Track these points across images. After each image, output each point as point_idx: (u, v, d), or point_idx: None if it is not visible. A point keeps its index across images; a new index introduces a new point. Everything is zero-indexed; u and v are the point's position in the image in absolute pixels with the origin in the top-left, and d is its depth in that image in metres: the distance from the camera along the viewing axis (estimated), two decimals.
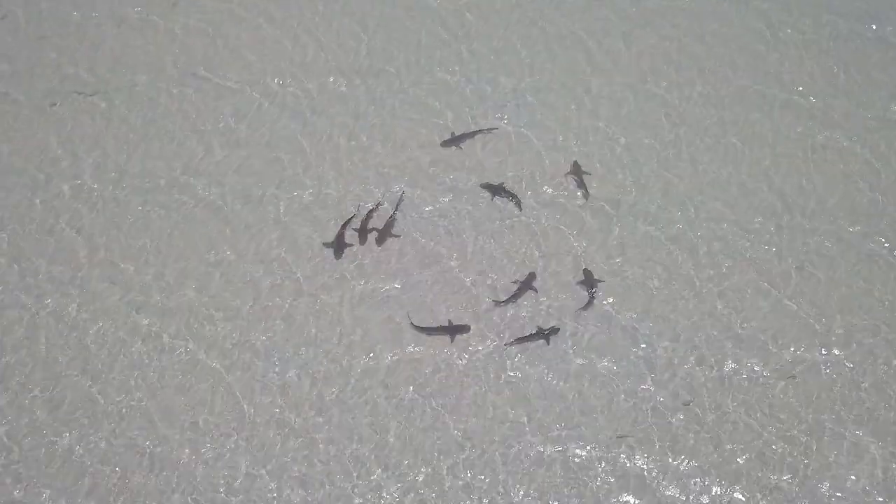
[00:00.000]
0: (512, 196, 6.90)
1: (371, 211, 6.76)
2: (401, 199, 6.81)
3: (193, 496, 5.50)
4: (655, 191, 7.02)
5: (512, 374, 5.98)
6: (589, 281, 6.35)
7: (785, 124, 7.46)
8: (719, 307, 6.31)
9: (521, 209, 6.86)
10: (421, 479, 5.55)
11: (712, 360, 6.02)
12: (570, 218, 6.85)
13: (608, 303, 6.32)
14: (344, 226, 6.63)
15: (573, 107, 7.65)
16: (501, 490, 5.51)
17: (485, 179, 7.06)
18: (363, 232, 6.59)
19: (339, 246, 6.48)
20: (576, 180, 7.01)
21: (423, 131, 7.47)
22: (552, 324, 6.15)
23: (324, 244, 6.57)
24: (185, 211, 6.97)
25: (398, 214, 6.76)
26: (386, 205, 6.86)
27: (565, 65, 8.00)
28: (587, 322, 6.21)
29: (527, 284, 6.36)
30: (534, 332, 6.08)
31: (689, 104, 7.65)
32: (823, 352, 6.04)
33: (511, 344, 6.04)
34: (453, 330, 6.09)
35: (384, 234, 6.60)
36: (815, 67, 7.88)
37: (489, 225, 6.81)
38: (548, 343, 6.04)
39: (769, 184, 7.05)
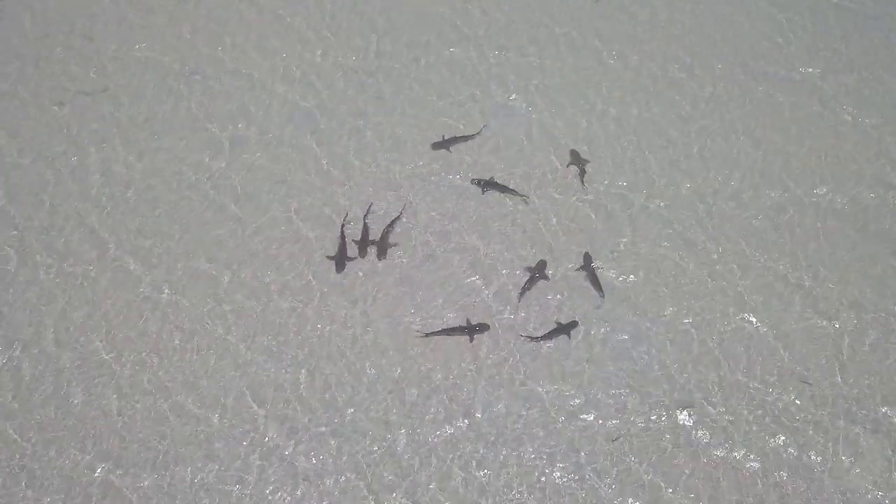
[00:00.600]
0: (505, 189, 6.91)
1: (366, 215, 6.74)
2: (401, 213, 6.79)
3: (207, 493, 5.45)
4: (673, 181, 7.10)
5: (527, 370, 5.98)
6: (588, 265, 6.42)
7: (801, 116, 7.57)
8: (736, 302, 6.32)
9: (522, 197, 6.88)
10: (433, 473, 5.53)
11: (729, 357, 6.02)
12: (584, 210, 6.89)
13: (624, 296, 6.34)
14: (342, 237, 6.60)
15: (586, 100, 7.75)
16: (514, 489, 5.48)
17: (499, 175, 7.07)
18: (363, 244, 6.58)
19: (340, 259, 6.47)
20: (578, 170, 7.06)
21: (433, 128, 7.49)
22: (571, 318, 6.17)
23: (326, 257, 6.54)
24: (196, 209, 6.94)
25: (395, 223, 6.74)
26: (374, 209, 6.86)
27: (578, 60, 8.09)
28: (602, 315, 6.23)
29: (539, 272, 6.39)
30: (554, 328, 6.08)
31: (701, 97, 7.78)
32: (840, 349, 6.06)
33: (535, 340, 6.03)
34: (472, 329, 6.07)
35: (383, 245, 6.58)
36: (830, 59, 8.01)
37: (500, 219, 6.83)
38: (569, 337, 6.05)
39: (783, 180, 7.11)
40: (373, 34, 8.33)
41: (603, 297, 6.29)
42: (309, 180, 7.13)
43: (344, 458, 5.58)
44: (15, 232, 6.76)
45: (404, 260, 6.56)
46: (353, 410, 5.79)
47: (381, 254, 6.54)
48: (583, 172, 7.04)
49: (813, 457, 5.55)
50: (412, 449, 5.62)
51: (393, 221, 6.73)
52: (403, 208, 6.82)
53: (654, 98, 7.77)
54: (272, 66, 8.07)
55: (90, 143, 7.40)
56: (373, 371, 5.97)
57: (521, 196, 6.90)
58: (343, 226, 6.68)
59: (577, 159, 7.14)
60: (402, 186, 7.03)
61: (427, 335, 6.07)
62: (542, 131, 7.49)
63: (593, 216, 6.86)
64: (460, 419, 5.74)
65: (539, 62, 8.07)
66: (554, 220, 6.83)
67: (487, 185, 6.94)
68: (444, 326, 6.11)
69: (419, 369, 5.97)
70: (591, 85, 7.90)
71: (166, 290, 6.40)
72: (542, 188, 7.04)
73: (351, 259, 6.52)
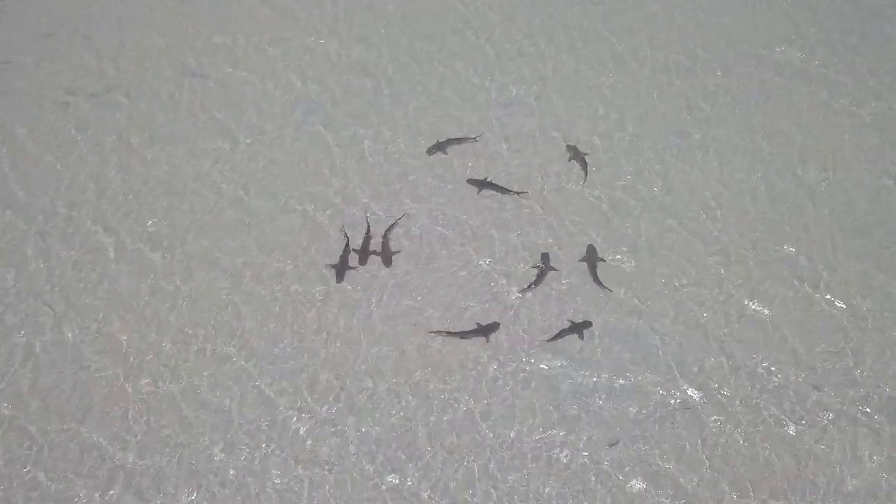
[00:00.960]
0: (499, 188, 6.92)
1: (367, 230, 6.67)
2: (399, 219, 6.77)
3: (224, 487, 5.45)
4: (684, 174, 7.13)
5: (544, 366, 5.97)
6: (591, 257, 6.42)
7: (815, 110, 7.60)
8: (748, 304, 6.30)
9: (520, 193, 6.89)
10: (450, 474, 5.52)
11: (740, 359, 5.98)
12: (595, 205, 6.90)
13: (633, 297, 6.33)
14: (345, 250, 6.54)
15: (598, 95, 7.80)
16: (531, 488, 5.46)
17: (509, 176, 7.09)
18: (364, 254, 6.53)
19: (341, 269, 6.42)
20: (580, 164, 7.09)
21: (445, 124, 7.51)
22: (582, 314, 6.16)
23: (328, 265, 6.50)
24: (212, 208, 6.95)
25: (392, 229, 6.71)
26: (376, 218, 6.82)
27: (590, 55, 8.13)
28: (613, 309, 6.23)
29: (545, 265, 6.40)
30: (566, 327, 6.07)
31: (711, 97, 7.80)
32: (856, 343, 6.04)
33: (548, 340, 6.01)
34: (487, 329, 6.07)
35: (386, 253, 6.52)
36: (840, 58, 8.01)
37: (511, 216, 6.84)
38: (581, 338, 6.04)
39: (797, 175, 7.12)
40: (385, 31, 8.37)
41: (609, 290, 6.29)
42: (322, 176, 7.14)
43: (360, 453, 5.58)
44: (27, 226, 6.79)
45: (417, 258, 6.56)
46: (369, 406, 5.79)
47: (386, 262, 6.50)
48: (585, 166, 7.05)
49: (827, 449, 5.53)
50: (429, 444, 5.61)
51: (390, 227, 6.70)
52: (402, 216, 6.79)
53: (665, 91, 7.79)
54: (284, 62, 8.11)
55: (103, 140, 7.43)
56: (387, 368, 5.97)
57: (519, 193, 6.91)
58: (346, 236, 6.65)
59: (576, 154, 7.16)
60: (417, 185, 7.04)
61: (442, 334, 6.05)
62: (554, 127, 7.51)
63: (605, 211, 6.87)
64: (476, 415, 5.75)
65: (552, 58, 8.10)
66: (565, 216, 6.83)
67: (483, 185, 6.94)
68: (458, 328, 6.09)
69: (434, 366, 5.97)
70: (603, 79, 7.94)
71: (183, 287, 6.41)
72: (553, 184, 7.05)
73: (352, 268, 6.46)
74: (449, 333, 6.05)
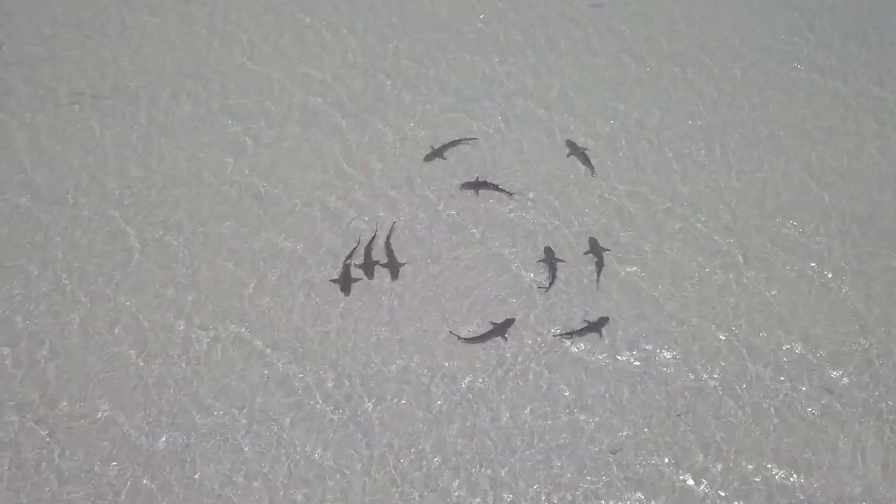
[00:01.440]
0: (495, 187, 6.88)
1: (370, 242, 6.58)
2: (392, 228, 6.68)
3: (235, 491, 5.43)
4: (696, 178, 7.09)
5: (562, 361, 5.95)
6: (595, 250, 6.41)
7: (826, 109, 7.60)
8: (767, 297, 6.28)
9: (510, 195, 6.85)
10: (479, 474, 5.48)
11: (758, 351, 5.96)
12: (605, 211, 6.85)
13: (651, 289, 6.31)
14: (347, 260, 6.47)
15: (612, 98, 7.77)
16: (550, 475, 5.45)
17: (527, 172, 7.07)
18: (368, 266, 6.46)
19: (345, 282, 6.34)
20: (580, 158, 7.09)
21: (453, 129, 7.47)
22: (590, 314, 6.13)
23: (331, 280, 6.40)
24: (218, 210, 6.89)
25: (389, 238, 6.62)
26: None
27: (606, 60, 8.12)
28: (624, 316, 6.17)
29: (551, 259, 6.37)
30: (585, 325, 6.02)
31: (727, 91, 7.83)
32: (873, 345, 5.99)
33: (564, 337, 5.98)
34: (502, 328, 6.03)
35: (393, 266, 6.42)
36: (850, 56, 8.02)
37: (526, 216, 6.81)
38: (600, 335, 5.99)
39: (813, 173, 7.12)
40: (392, 35, 8.35)
41: (598, 281, 6.27)
42: (329, 181, 7.08)
43: (373, 457, 5.52)
44: (40, 230, 6.73)
45: (428, 260, 6.51)
46: (379, 411, 5.73)
47: (394, 274, 6.39)
48: (586, 159, 7.05)
49: (849, 442, 5.52)
50: (441, 443, 5.57)
51: (388, 236, 6.61)
52: (393, 224, 6.71)
53: (681, 85, 7.82)
54: (297, 57, 8.09)
55: (110, 144, 7.38)
56: (399, 371, 5.92)
57: (511, 194, 6.87)
58: (351, 254, 6.55)
59: (574, 149, 7.16)
60: (431, 181, 7.00)
61: (459, 339, 5.98)
62: (570, 122, 7.51)
63: (623, 205, 6.86)
64: (496, 408, 5.72)
65: (568, 53, 8.11)
66: (575, 221, 6.78)
67: (480, 185, 6.90)
68: (474, 330, 6.04)
69: (455, 358, 5.94)
70: (615, 72, 7.96)
71: (204, 279, 6.37)
72: (562, 190, 7.00)
73: (356, 280, 6.36)
74: (467, 340, 5.99)
